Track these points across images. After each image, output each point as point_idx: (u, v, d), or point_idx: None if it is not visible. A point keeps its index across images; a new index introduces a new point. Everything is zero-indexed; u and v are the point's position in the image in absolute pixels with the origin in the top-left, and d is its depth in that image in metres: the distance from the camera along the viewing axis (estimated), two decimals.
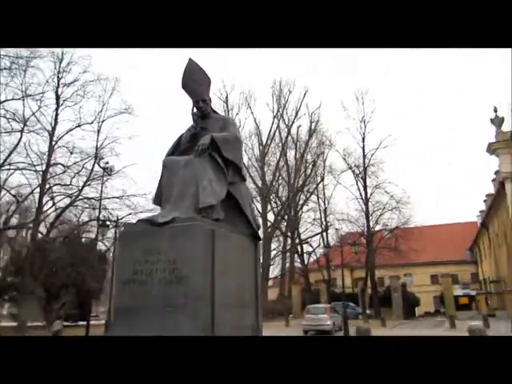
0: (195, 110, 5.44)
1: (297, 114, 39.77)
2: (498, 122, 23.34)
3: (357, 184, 29.73)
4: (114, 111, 27.74)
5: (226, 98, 40.33)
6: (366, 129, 30.79)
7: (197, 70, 5.41)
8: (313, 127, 39.66)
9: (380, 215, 29.86)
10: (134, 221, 5.62)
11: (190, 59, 5.46)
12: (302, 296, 36.01)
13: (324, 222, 34.83)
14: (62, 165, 24.25)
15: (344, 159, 30.40)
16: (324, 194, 36.63)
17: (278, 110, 40.75)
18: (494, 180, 37.24)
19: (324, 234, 34.61)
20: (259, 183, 39.80)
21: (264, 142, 40.45)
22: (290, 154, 41.03)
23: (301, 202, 39.44)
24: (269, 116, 42.34)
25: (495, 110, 23.48)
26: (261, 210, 39.37)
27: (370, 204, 29.49)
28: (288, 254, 39.94)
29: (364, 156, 30.37)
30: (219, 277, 4.59)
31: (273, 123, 40.66)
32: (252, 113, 41.00)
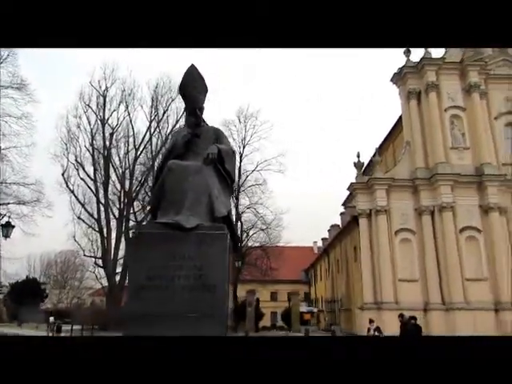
0: (190, 116, 5.46)
1: (176, 123, 39.59)
2: (359, 166, 27.76)
3: (234, 202, 31.16)
4: None
5: (105, 91, 38.01)
6: (245, 151, 32.67)
7: (198, 78, 5.46)
8: None
9: (251, 234, 31.86)
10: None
11: (192, 65, 5.51)
12: None
13: None
14: None
15: None
16: None
17: (156, 116, 39.95)
18: (342, 213, 43.24)
19: None
20: (126, 187, 38.20)
21: (138, 146, 39.03)
22: None
23: None
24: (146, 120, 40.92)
25: (358, 156, 27.91)
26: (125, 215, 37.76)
27: (243, 222, 31.24)
28: None
29: (240, 176, 32.07)
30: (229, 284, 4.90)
31: (149, 128, 39.64)
32: (129, 114, 39.31)
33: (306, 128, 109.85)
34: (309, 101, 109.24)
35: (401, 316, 14.48)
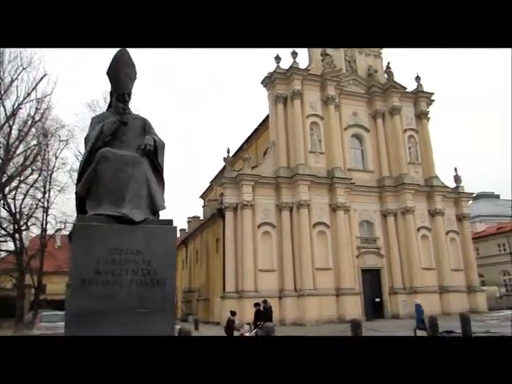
0: (118, 102, 5.26)
1: (28, 95, 34.67)
2: (228, 161, 28.77)
3: None
4: None
5: None
6: None
7: (129, 63, 5.31)
8: (38, 115, 35.31)
9: None
10: None
11: (125, 49, 5.29)
12: None
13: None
14: None
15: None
16: (47, 190, 33.30)
17: (1, 84, 34.36)
18: (204, 206, 43.98)
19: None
20: None
21: None
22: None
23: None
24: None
25: (228, 151, 28.90)
26: None
27: None
28: None
29: None
30: None
31: None
32: None
33: (171, 119, 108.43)
34: (185, 91, 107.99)
35: (264, 302, 15.70)
